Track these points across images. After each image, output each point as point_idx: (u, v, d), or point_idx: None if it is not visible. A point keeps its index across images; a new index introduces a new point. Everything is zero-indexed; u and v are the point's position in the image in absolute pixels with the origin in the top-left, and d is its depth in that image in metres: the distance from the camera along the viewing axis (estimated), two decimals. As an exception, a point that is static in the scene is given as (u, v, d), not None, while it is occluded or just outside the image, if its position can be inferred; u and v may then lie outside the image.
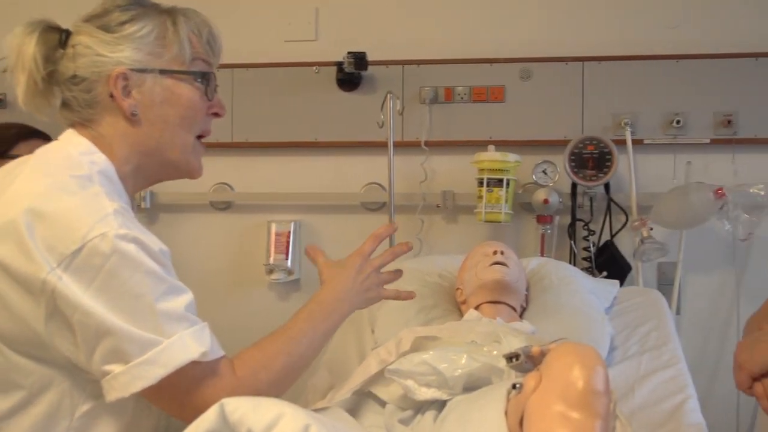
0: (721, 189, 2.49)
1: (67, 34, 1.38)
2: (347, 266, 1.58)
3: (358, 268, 1.57)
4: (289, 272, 2.94)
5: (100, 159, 1.36)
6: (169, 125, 1.41)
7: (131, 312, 1.22)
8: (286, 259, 2.93)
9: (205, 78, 1.44)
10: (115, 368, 1.21)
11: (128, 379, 1.21)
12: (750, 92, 2.70)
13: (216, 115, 1.50)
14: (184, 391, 1.27)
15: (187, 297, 1.29)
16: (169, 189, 2.50)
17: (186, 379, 1.25)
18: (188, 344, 1.24)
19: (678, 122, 2.71)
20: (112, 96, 1.36)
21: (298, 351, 1.42)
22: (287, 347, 1.41)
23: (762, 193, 2.48)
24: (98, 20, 1.38)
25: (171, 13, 1.43)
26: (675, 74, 2.74)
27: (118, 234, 1.22)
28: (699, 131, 2.74)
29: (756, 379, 1.56)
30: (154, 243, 1.28)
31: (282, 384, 1.39)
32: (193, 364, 1.25)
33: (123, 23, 1.37)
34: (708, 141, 2.73)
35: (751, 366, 1.56)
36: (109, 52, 1.35)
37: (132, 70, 1.36)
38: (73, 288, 1.20)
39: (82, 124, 1.40)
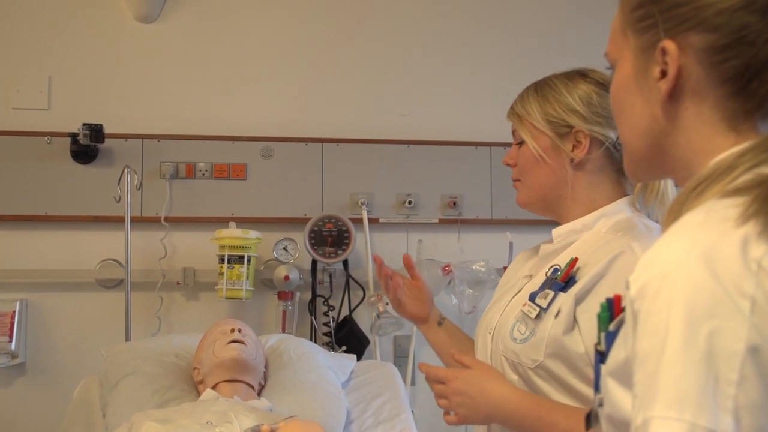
0: (448, 266, 2.68)
1: None
2: None
3: None
4: (13, 356, 2.72)
5: None
6: None
7: None
8: (10, 341, 2.71)
9: None
10: None
11: None
12: (471, 177, 2.95)
13: None
14: None
15: None
16: None
17: None
18: None
19: (410, 203, 2.89)
20: None
21: None
22: None
23: (483, 269, 2.69)
24: None
25: None
26: (407, 158, 2.93)
27: None
28: (428, 211, 2.93)
29: None
30: None
31: None
32: None
33: None
34: (437, 221, 2.94)
35: None
36: None
37: None
38: None
39: None
